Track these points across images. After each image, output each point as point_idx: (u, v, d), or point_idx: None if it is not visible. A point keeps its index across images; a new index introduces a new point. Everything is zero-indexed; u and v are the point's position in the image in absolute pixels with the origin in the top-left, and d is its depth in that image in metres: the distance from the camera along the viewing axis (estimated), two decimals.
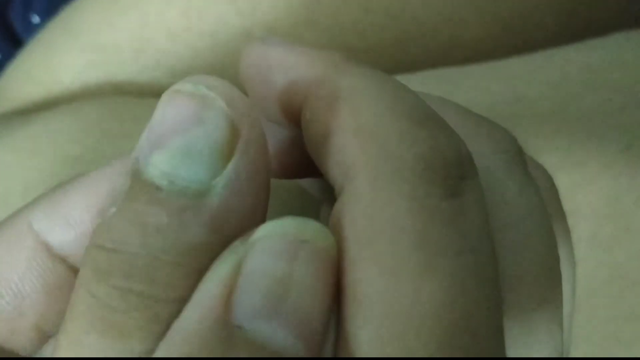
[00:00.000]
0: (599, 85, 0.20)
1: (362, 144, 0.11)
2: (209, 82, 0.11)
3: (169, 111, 0.11)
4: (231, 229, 0.11)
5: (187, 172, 0.11)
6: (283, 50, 0.13)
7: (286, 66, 0.12)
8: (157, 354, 0.10)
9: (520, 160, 0.13)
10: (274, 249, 0.10)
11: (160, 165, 0.11)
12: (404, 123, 0.11)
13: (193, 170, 0.11)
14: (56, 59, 0.29)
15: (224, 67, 0.27)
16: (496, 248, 0.12)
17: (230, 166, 0.11)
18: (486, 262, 0.11)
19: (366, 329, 0.10)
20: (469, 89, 0.21)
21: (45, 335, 0.13)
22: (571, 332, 0.15)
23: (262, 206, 0.12)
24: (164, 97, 0.11)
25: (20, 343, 0.13)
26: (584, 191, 0.19)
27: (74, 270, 0.13)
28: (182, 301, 0.11)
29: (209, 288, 0.11)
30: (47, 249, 0.13)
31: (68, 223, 0.13)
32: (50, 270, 0.13)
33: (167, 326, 0.11)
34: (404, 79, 0.22)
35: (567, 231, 0.14)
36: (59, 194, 0.13)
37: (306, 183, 0.16)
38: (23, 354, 0.13)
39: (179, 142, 0.11)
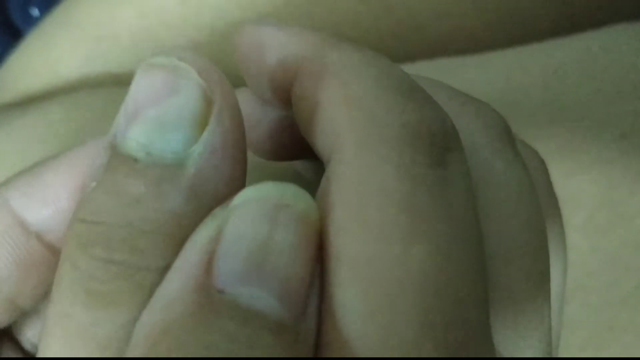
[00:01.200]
0: (594, 75, 0.20)
1: (350, 113, 0.11)
2: (182, 54, 0.11)
3: (143, 84, 0.11)
4: (209, 197, 0.11)
5: (163, 143, 0.11)
6: (274, 30, 0.13)
7: (277, 45, 0.13)
8: (140, 322, 0.10)
9: (508, 138, 0.13)
10: (253, 213, 0.10)
11: (137, 137, 0.11)
12: (391, 94, 0.11)
13: (169, 141, 0.11)
14: (55, 51, 0.29)
15: (223, 59, 0.27)
16: (482, 225, 0.12)
17: (205, 135, 0.11)
18: (471, 232, 0.11)
19: (352, 291, 0.10)
20: (464, 79, 0.22)
21: (19, 310, 0.13)
22: (562, 317, 0.15)
23: (240, 175, 0.12)
24: (139, 70, 0.11)
25: None
26: (579, 179, 0.19)
27: (51, 247, 0.13)
28: (164, 269, 0.11)
29: (190, 254, 0.11)
30: (23, 225, 0.13)
31: (45, 200, 0.13)
32: (25, 247, 0.13)
33: (151, 295, 0.11)
34: (406, 69, 0.23)
35: (557, 209, 0.14)
36: (36, 172, 0.13)
37: (300, 165, 0.16)
38: None
39: (154, 113, 0.11)
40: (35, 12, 0.39)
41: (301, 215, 0.11)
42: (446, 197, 0.10)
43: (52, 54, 0.29)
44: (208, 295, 0.10)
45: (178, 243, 0.11)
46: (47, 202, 0.13)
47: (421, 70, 0.23)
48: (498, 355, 0.12)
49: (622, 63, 0.21)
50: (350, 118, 0.11)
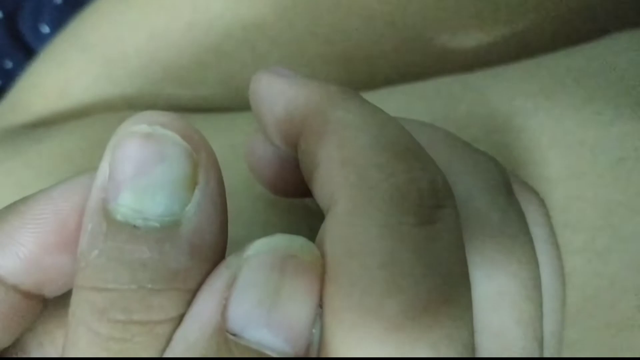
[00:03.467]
0: (593, 96, 0.21)
1: (345, 174, 0.12)
2: (163, 119, 0.12)
3: (129, 153, 0.12)
4: (207, 247, 0.12)
5: (158, 208, 0.12)
6: (283, 82, 0.14)
7: (285, 98, 0.13)
8: None
9: (504, 188, 0.14)
10: (264, 263, 0.11)
11: (132, 205, 0.12)
12: (383, 156, 0.12)
13: (163, 205, 0.12)
14: (66, 73, 0.29)
15: (229, 80, 0.27)
16: (476, 271, 0.13)
17: (197, 194, 0.12)
18: (455, 283, 0.11)
19: (339, 337, 0.11)
20: (468, 101, 0.22)
21: None
22: (562, 343, 0.15)
23: (226, 223, 0.13)
24: (120, 137, 0.12)
25: None
26: (579, 204, 0.19)
27: (25, 295, 0.14)
28: (180, 317, 0.12)
29: (207, 300, 0.12)
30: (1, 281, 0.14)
31: (19, 257, 0.13)
32: (3, 300, 0.14)
33: (168, 340, 0.12)
34: (406, 89, 0.23)
35: (555, 249, 0.15)
36: (8, 229, 0.14)
37: (309, 200, 0.17)
38: None
39: (145, 181, 0.12)
40: (45, 29, 0.40)
41: (306, 265, 0.12)
42: (432, 252, 0.11)
43: (63, 75, 0.30)
44: (223, 337, 0.11)
45: (188, 292, 0.12)
46: (21, 259, 0.13)
47: (425, 90, 0.23)
48: None
49: (618, 80, 0.21)
50: (344, 178, 0.12)
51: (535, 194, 0.15)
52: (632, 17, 0.28)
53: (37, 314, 0.14)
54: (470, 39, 0.27)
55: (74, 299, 0.12)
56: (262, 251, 0.12)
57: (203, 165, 0.12)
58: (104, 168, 0.12)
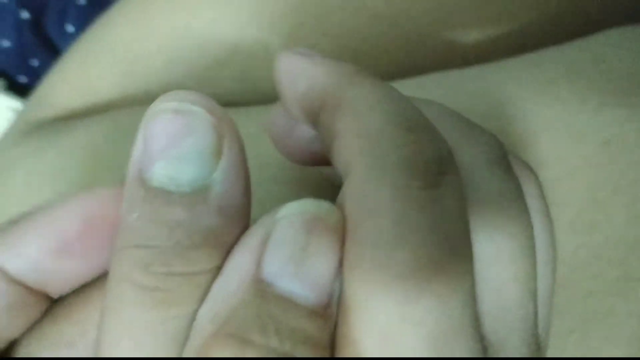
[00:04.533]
0: (581, 86, 0.22)
1: (360, 144, 0.13)
2: (190, 97, 0.14)
3: (162, 126, 0.14)
4: (233, 208, 0.14)
5: (189, 174, 0.13)
6: (305, 61, 0.15)
7: (306, 76, 0.15)
8: (203, 310, 0.13)
9: (503, 161, 0.15)
10: (295, 224, 0.13)
11: (165, 172, 0.13)
12: (395, 128, 0.13)
13: (193, 172, 0.13)
14: (92, 70, 0.31)
15: (244, 77, 0.29)
16: (477, 233, 0.14)
17: (223, 161, 0.14)
18: (458, 239, 0.13)
19: (354, 287, 0.13)
20: (467, 91, 0.24)
21: (2, 342, 0.15)
22: (552, 308, 0.17)
23: (248, 183, 0.15)
24: (154, 114, 0.14)
25: None
26: (566, 184, 0.21)
27: (30, 290, 0.15)
28: (217, 269, 0.14)
29: (244, 254, 0.13)
30: (4, 274, 0.15)
31: (22, 257, 0.15)
32: (6, 292, 0.15)
33: (207, 291, 0.13)
34: (413, 83, 0.25)
35: (548, 220, 0.16)
36: (15, 233, 0.15)
37: (327, 169, 0.19)
38: None
39: (176, 152, 0.13)
40: (70, 28, 0.41)
41: (330, 227, 0.13)
42: (437, 212, 0.13)
43: (88, 72, 0.31)
44: (260, 286, 0.13)
45: (220, 247, 0.14)
46: (26, 260, 0.15)
47: (429, 84, 0.25)
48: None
49: (606, 71, 0.23)
50: (359, 147, 0.13)
51: (530, 169, 0.17)
52: (627, 16, 0.29)
53: (42, 311, 0.16)
54: (472, 37, 0.29)
55: (115, 260, 0.14)
56: (292, 213, 0.13)
57: (227, 136, 0.14)
58: (139, 142, 0.14)
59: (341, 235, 0.13)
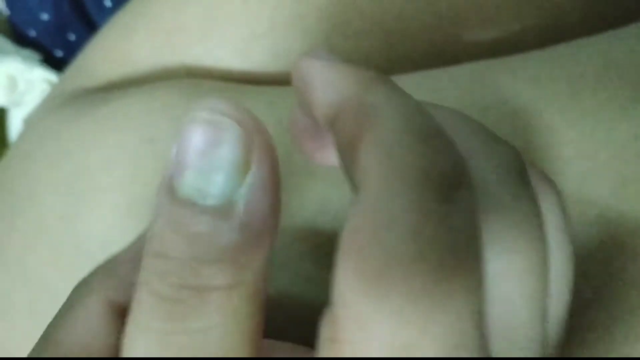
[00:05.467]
0: (611, 80, 0.22)
1: (377, 155, 0.13)
2: (222, 107, 0.14)
3: (192, 137, 0.14)
4: (256, 226, 0.14)
5: (214, 188, 0.13)
6: (324, 66, 0.15)
7: (324, 80, 0.15)
8: None
9: (519, 175, 0.15)
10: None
11: (192, 183, 0.14)
12: (412, 139, 0.13)
13: (219, 186, 0.13)
14: (129, 42, 0.31)
15: (279, 51, 0.29)
16: (487, 250, 0.14)
17: (249, 178, 0.14)
18: (470, 256, 0.13)
19: (370, 302, 0.12)
20: (495, 86, 0.23)
21: None
22: (565, 329, 0.16)
23: (279, 198, 0.14)
24: (186, 124, 0.14)
25: None
26: (593, 180, 0.21)
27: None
28: (228, 287, 0.14)
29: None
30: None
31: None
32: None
33: (219, 307, 0.13)
34: (431, 74, 0.25)
35: (565, 237, 0.16)
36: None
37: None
38: None
39: (204, 163, 0.13)
40: (108, 3, 0.42)
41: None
42: (450, 227, 0.12)
43: (126, 44, 0.32)
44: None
45: (238, 265, 0.14)
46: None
47: (453, 74, 0.25)
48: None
49: (638, 65, 0.22)
50: (376, 158, 0.13)
51: (551, 182, 0.16)
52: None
53: None
54: (505, 21, 0.28)
55: (143, 264, 0.14)
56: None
57: (257, 151, 0.14)
58: (173, 149, 0.14)
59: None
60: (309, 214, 0.22)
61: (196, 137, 0.14)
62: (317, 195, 0.22)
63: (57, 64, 0.44)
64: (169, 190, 0.14)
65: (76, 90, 0.32)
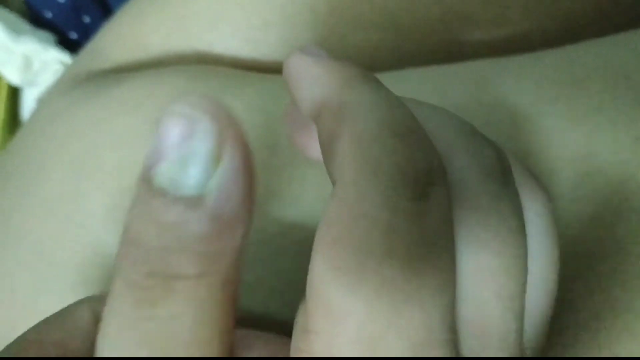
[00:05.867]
0: (616, 83, 0.22)
1: (353, 151, 0.13)
2: (197, 102, 0.14)
3: (167, 129, 0.14)
4: (227, 216, 0.14)
5: (187, 178, 0.14)
6: (312, 62, 0.15)
7: (310, 76, 0.15)
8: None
9: (501, 175, 0.15)
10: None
11: (166, 173, 0.14)
12: (389, 136, 0.13)
13: (191, 176, 0.13)
14: (143, 26, 0.32)
15: (290, 40, 0.29)
16: (463, 246, 0.14)
17: (220, 170, 0.14)
18: (442, 253, 0.13)
19: (341, 293, 0.13)
20: (496, 85, 0.24)
21: None
22: (546, 335, 0.17)
23: (252, 190, 0.15)
24: (162, 118, 0.14)
25: None
26: (593, 180, 0.21)
27: None
28: (196, 277, 0.14)
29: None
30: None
31: None
32: None
33: (186, 297, 0.14)
34: (437, 70, 0.25)
35: (550, 240, 0.16)
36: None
37: None
38: None
39: (177, 154, 0.14)
40: None
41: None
42: (422, 224, 0.13)
43: (140, 28, 0.32)
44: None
45: (207, 256, 0.14)
46: None
47: (459, 70, 0.25)
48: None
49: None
50: (352, 154, 0.13)
51: (540, 186, 0.16)
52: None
53: None
54: (515, 19, 0.29)
55: (118, 251, 0.14)
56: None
57: (229, 143, 0.14)
58: (153, 140, 0.14)
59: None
60: (307, 203, 0.22)
61: (171, 130, 0.14)
62: (316, 185, 0.22)
63: (71, 45, 0.44)
64: (146, 179, 0.14)
65: (89, 72, 0.33)
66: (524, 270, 0.15)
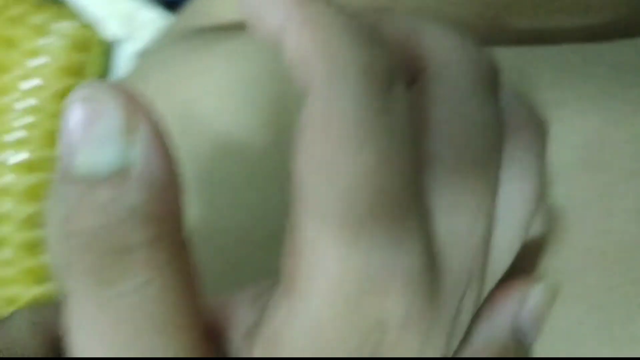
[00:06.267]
0: (632, 83, 0.23)
1: (320, 54, 0.14)
2: (97, 85, 0.14)
3: (73, 117, 0.14)
4: (160, 180, 0.14)
5: (107, 157, 0.13)
6: None
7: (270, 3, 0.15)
8: None
9: (490, 85, 0.16)
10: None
11: (85, 160, 0.14)
12: (353, 40, 0.14)
13: (109, 154, 0.13)
14: None
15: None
16: (431, 144, 0.15)
17: (139, 137, 0.14)
18: (404, 146, 0.14)
19: (314, 189, 0.14)
20: (536, 68, 0.24)
21: None
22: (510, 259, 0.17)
23: (173, 160, 0.15)
24: (66, 107, 0.14)
25: None
26: (597, 171, 0.21)
27: None
28: (152, 241, 0.14)
29: None
30: None
31: None
32: None
33: (145, 264, 0.14)
34: None
35: (533, 176, 0.16)
36: None
37: None
38: None
39: (89, 137, 0.14)
40: None
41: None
42: (387, 120, 0.14)
43: None
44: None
45: (152, 221, 0.14)
46: None
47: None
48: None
49: None
50: (320, 58, 0.14)
51: (534, 111, 0.17)
52: None
53: None
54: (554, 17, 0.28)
55: (60, 253, 0.14)
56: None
57: (139, 113, 0.14)
58: (60, 137, 0.14)
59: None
60: None
61: (76, 115, 0.14)
62: None
63: (170, 5, 0.45)
64: (65, 175, 0.14)
65: (191, 29, 0.34)
66: (494, 191, 0.16)
